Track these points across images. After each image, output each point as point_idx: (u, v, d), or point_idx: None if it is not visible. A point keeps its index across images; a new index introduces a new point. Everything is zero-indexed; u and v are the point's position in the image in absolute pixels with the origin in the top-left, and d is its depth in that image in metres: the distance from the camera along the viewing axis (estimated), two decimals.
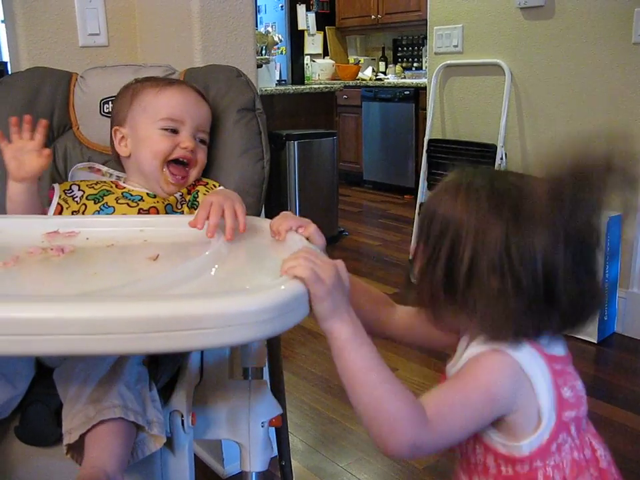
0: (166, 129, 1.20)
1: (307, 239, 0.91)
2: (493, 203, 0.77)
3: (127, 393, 0.95)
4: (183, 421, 1.01)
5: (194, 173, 1.23)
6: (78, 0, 1.69)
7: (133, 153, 1.23)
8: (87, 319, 0.66)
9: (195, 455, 1.84)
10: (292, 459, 1.85)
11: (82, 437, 0.90)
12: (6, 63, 6.77)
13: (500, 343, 0.78)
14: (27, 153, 1.11)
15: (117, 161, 1.30)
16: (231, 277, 0.87)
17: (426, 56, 5.44)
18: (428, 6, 3.36)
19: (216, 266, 0.87)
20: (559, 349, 0.83)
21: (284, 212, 0.98)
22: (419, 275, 0.83)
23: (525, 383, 0.78)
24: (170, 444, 1.00)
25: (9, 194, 1.14)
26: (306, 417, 2.07)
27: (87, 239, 1.01)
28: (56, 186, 1.23)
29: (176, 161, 1.20)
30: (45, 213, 1.20)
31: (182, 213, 1.21)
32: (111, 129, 1.27)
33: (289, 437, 1.95)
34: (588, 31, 2.64)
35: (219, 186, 1.24)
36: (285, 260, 0.75)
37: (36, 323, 0.66)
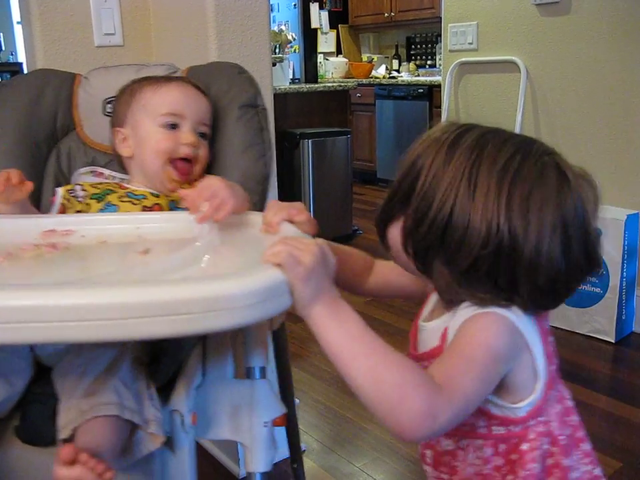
0: (166, 125, 1.20)
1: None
2: (487, 164, 0.74)
3: (124, 390, 0.94)
4: (183, 421, 1.00)
5: (197, 170, 1.23)
6: (93, 0, 1.69)
7: (135, 153, 1.23)
8: (69, 305, 0.67)
9: (210, 454, 1.86)
10: (307, 459, 1.85)
11: (75, 431, 0.90)
12: (21, 63, 6.84)
13: (487, 306, 0.76)
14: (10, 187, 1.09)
15: (118, 163, 1.30)
16: (221, 268, 0.89)
17: (439, 54, 5.42)
18: (442, 3, 3.34)
19: (207, 256, 0.88)
20: None
21: (272, 201, 0.97)
22: (403, 233, 0.80)
23: (520, 340, 0.75)
24: (170, 444, 0.99)
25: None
26: (321, 417, 2.07)
27: (83, 236, 1.03)
28: (58, 190, 1.24)
29: (180, 158, 1.21)
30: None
31: (187, 208, 1.21)
32: (111, 130, 1.27)
33: (304, 436, 1.95)
34: (604, 28, 2.62)
35: None
36: (266, 248, 0.74)
37: (20, 310, 0.67)
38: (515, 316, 0.75)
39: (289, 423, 1.15)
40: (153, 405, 0.97)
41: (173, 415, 1.00)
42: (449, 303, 0.81)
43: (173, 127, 1.20)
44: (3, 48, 7.43)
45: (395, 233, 0.82)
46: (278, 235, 0.90)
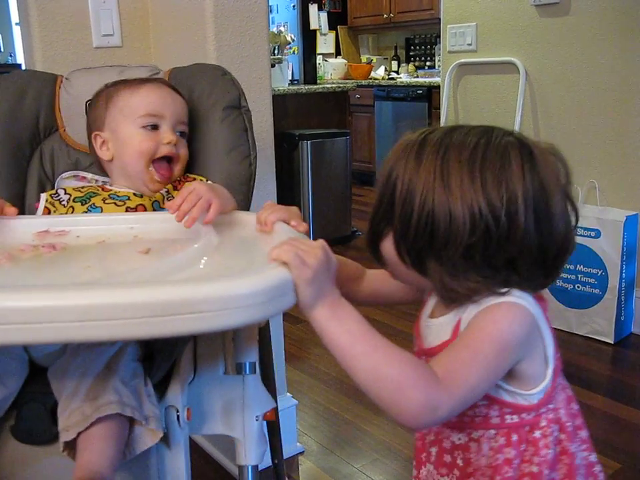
0: (146, 126, 1.21)
1: None
2: (459, 156, 0.77)
3: (123, 389, 0.96)
4: (178, 416, 1.02)
5: (177, 169, 1.25)
6: (92, 1, 1.69)
7: (115, 155, 1.24)
8: (83, 305, 0.68)
9: (207, 453, 1.85)
10: (306, 460, 1.86)
11: (79, 434, 0.92)
12: (20, 64, 6.83)
13: (494, 295, 0.78)
14: None
15: (98, 166, 1.31)
16: (220, 268, 0.90)
17: (439, 55, 5.43)
18: (441, 4, 3.34)
19: (205, 258, 0.90)
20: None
21: (268, 202, 1.00)
22: (395, 244, 0.82)
23: (534, 328, 0.78)
24: (166, 439, 1.01)
25: None
26: (320, 418, 2.07)
27: (78, 237, 1.03)
28: (42, 195, 1.25)
29: (161, 158, 1.22)
30: None
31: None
32: (89, 134, 1.28)
33: (303, 437, 1.95)
34: (604, 29, 2.62)
35: (207, 181, 1.24)
36: (271, 248, 0.76)
37: (34, 311, 0.68)
38: (528, 303, 0.77)
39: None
40: (151, 402, 0.99)
41: (169, 410, 1.02)
42: (450, 302, 0.83)
43: (154, 127, 1.21)
44: (2, 49, 7.44)
45: (387, 247, 0.83)
46: (273, 234, 0.93)
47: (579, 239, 2.53)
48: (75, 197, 1.22)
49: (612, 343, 2.54)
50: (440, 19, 3.35)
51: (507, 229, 0.74)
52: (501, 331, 0.75)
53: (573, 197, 0.80)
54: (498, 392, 0.81)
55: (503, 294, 0.77)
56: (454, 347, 0.77)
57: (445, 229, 0.75)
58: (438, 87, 4.40)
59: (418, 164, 0.78)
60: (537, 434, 0.82)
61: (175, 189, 1.25)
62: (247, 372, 1.12)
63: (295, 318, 2.54)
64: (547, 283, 0.82)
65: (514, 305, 0.77)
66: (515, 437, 0.82)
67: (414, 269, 0.81)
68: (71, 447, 0.93)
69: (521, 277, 0.77)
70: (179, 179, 1.27)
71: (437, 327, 0.86)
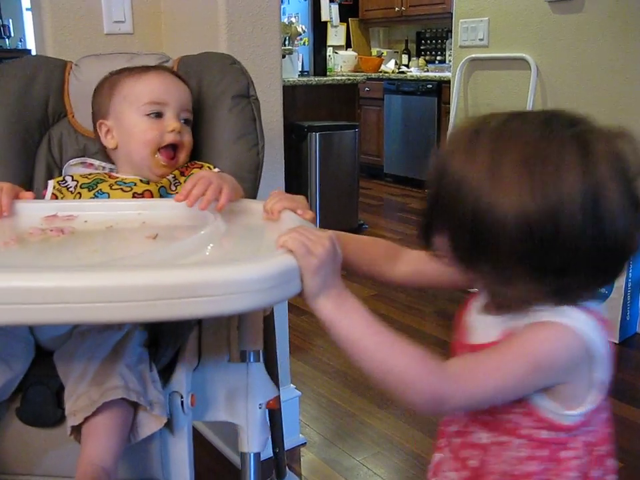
0: (150, 114, 1.21)
1: None
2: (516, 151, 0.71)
3: (128, 374, 0.97)
4: (182, 402, 1.03)
5: (182, 156, 1.25)
6: None
7: (120, 143, 1.24)
8: (90, 287, 0.69)
9: (209, 442, 1.86)
10: (308, 452, 1.86)
11: (86, 419, 0.93)
12: (30, 50, 6.84)
13: (555, 308, 0.73)
14: None
15: (103, 154, 1.31)
16: (226, 255, 0.92)
17: (449, 49, 5.40)
18: None
19: (211, 244, 0.91)
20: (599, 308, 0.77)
21: (275, 191, 0.99)
22: (447, 239, 0.77)
23: (582, 353, 0.73)
24: (169, 425, 1.02)
25: None
26: (323, 410, 2.07)
27: (85, 221, 1.04)
28: (49, 182, 1.26)
29: (166, 146, 1.22)
30: None
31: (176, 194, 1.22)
32: (94, 123, 1.28)
33: (306, 429, 1.95)
34: (616, 27, 2.60)
35: (214, 168, 1.25)
36: (279, 235, 0.77)
37: (40, 291, 0.69)
38: (581, 325, 0.72)
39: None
40: (155, 387, 1.00)
41: (173, 396, 1.03)
42: (499, 308, 0.79)
43: (158, 115, 1.21)
44: (12, 34, 7.43)
45: (440, 242, 0.79)
46: (280, 223, 0.93)
47: None
48: (82, 184, 1.22)
49: (617, 342, 2.53)
50: (452, 14, 3.34)
51: (558, 235, 0.69)
52: (541, 352, 0.72)
53: (637, 193, 0.72)
54: (537, 405, 0.76)
55: (556, 311, 0.73)
56: (491, 350, 0.74)
57: (492, 231, 0.70)
58: (448, 82, 4.38)
59: (470, 157, 0.73)
60: (565, 454, 0.77)
61: (182, 174, 1.25)
62: (252, 360, 1.13)
63: (300, 309, 2.54)
64: (614, 277, 0.76)
65: (564, 327, 0.72)
66: (540, 453, 0.78)
67: (464, 268, 0.77)
68: (78, 431, 0.95)
69: (577, 284, 0.73)
70: (185, 165, 1.27)
71: (487, 324, 0.81)
